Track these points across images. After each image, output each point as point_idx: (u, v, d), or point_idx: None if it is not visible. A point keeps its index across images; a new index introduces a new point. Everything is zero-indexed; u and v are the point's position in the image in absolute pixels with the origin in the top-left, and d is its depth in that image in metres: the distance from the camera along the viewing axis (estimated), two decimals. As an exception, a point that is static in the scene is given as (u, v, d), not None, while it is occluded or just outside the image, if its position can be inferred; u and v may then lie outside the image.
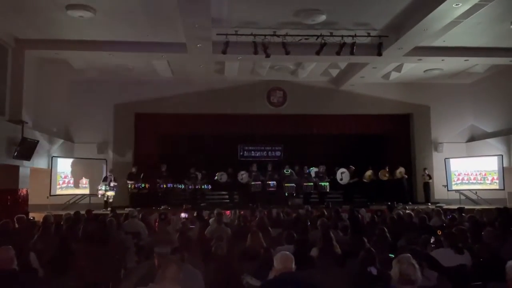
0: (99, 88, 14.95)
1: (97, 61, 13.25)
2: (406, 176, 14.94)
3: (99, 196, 13.24)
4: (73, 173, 13.82)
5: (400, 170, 14.73)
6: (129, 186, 13.32)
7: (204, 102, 15.23)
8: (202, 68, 13.41)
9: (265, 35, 10.72)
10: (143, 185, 13.29)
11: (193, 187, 13.69)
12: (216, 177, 14.41)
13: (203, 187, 13.76)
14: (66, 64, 13.39)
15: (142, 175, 13.49)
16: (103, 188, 13.15)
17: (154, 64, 13.67)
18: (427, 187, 14.85)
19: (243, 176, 14.06)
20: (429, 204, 13.79)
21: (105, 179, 13.40)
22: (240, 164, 15.42)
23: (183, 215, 10.25)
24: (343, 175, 14.58)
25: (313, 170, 14.46)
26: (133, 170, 13.79)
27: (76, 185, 13.89)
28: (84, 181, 14.10)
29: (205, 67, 13.35)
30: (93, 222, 7.65)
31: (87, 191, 13.97)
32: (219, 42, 10.90)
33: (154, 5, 9.62)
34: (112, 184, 13.28)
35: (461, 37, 11.53)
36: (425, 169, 15.13)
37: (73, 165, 13.91)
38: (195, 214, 8.28)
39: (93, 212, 9.63)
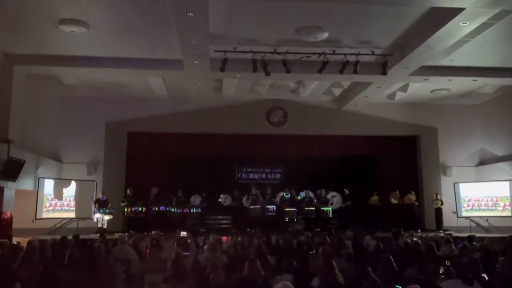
0: (91, 105, 14.99)
1: (89, 77, 13.34)
2: (417, 203, 14.94)
3: (95, 220, 13.13)
4: (60, 195, 13.77)
5: (410, 196, 14.76)
6: (125, 210, 13.24)
7: (200, 121, 15.27)
8: (199, 85, 13.50)
9: (265, 53, 10.84)
10: (140, 209, 13.22)
11: (181, 211, 13.62)
12: (220, 200, 14.43)
13: (192, 210, 13.72)
14: (57, 80, 13.47)
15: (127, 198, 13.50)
16: (101, 211, 13.03)
17: (148, 81, 13.76)
18: (439, 213, 14.78)
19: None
20: (441, 231, 13.71)
21: (103, 203, 13.28)
22: (238, 186, 15.40)
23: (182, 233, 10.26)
24: (333, 199, 14.60)
25: (308, 193, 14.43)
26: (128, 192, 13.74)
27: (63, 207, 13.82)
28: (72, 204, 14.02)
29: (202, 84, 13.44)
30: (81, 248, 7.56)
31: (74, 215, 13.87)
32: (217, 59, 11.01)
33: (149, 20, 9.75)
34: (109, 206, 13.22)
35: (469, 56, 11.65)
36: (436, 194, 15.08)
37: (61, 186, 13.86)
38: (188, 241, 8.21)
39: (81, 237, 9.53)
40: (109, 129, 15.23)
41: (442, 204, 14.84)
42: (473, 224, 14.72)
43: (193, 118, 15.30)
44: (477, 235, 11.38)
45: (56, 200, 13.62)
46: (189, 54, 10.75)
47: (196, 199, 14.26)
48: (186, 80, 13.15)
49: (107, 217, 13.09)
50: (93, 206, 13.42)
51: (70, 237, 9.01)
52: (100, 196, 13.60)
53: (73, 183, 14.17)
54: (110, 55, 11.67)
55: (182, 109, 15.31)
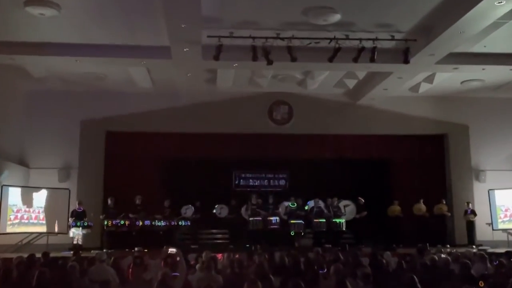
0: (63, 101, 15.00)
1: (61, 68, 13.33)
2: (449, 214, 15.02)
3: (71, 235, 13.14)
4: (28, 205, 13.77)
5: (441, 206, 14.84)
6: (105, 223, 13.26)
7: (191, 119, 15.27)
8: (190, 77, 13.49)
9: (266, 38, 10.81)
10: (122, 222, 13.25)
11: (167, 223, 13.63)
12: (214, 210, 14.44)
13: (179, 223, 13.74)
14: (23, 72, 13.47)
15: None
16: (78, 224, 13.02)
17: (130, 73, 13.75)
18: (471, 226, 14.80)
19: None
20: (474, 246, 13.71)
21: (80, 215, 13.26)
22: (235, 195, 15.39)
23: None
24: (346, 209, 14.66)
25: (318, 202, 14.46)
26: (109, 202, 13.76)
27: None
28: (42, 216, 14.01)
29: (193, 76, 13.42)
30: (51, 267, 7.55)
31: (44, 229, 13.86)
32: (210, 45, 10.98)
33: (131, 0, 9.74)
34: (86, 219, 13.24)
35: (506, 42, 11.63)
36: (468, 203, 15.08)
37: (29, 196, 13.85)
38: (177, 259, 8.22)
39: (52, 255, 9.52)
40: (84, 129, 15.22)
41: (475, 215, 14.81)
42: (511, 238, 14.69)
43: (182, 116, 15.30)
44: (516, 250, 11.36)
45: (23, 212, 13.61)
46: (178, 40, 10.72)
47: (188, 210, 14.24)
48: (174, 71, 13.14)
49: (84, 231, 13.08)
50: (70, 219, 13.39)
51: (39, 255, 9.00)
52: (76, 206, 13.59)
53: (43, 192, 14.17)
54: (85, 41, 11.65)
55: (170, 105, 15.31)
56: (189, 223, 14.02)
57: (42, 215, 14.01)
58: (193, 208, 14.30)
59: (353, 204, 14.87)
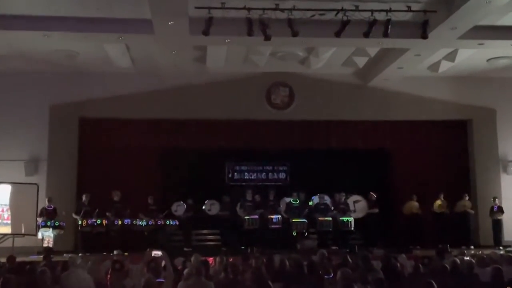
0: (29, 83, 14.96)
1: (26, 45, 13.27)
2: (473, 211, 15.09)
3: (40, 237, 13.15)
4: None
5: (464, 202, 14.94)
6: (79, 222, 13.29)
7: (177, 104, 15.27)
8: (175, 55, 13.46)
9: (263, 9, 10.76)
10: (99, 221, 13.28)
11: (153, 223, 13.67)
12: (204, 207, 14.48)
13: (167, 222, 13.79)
14: (-18, 49, 13.42)
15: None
16: (48, 224, 13.04)
17: (107, 50, 13.71)
18: (498, 225, 14.88)
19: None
20: (500, 247, 13.80)
21: (50, 214, 13.27)
22: (228, 190, 15.43)
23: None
24: (357, 205, 14.70)
25: (323, 198, 14.56)
26: (83, 199, 13.76)
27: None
28: (6, 215, 14.01)
29: (180, 54, 13.39)
30: (18, 273, 7.57)
31: (9, 230, 13.87)
32: (199, 18, 10.93)
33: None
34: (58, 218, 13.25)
35: (539, 13, 11.66)
36: (495, 198, 15.13)
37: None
38: (163, 263, 8.25)
39: (18, 259, 9.53)
40: (54, 114, 15.18)
41: (502, 213, 14.89)
42: (543, 238, 14.86)
43: (167, 100, 15.29)
44: (549, 252, 11.46)
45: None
46: (161, 11, 10.67)
47: (179, 208, 14.28)
48: (157, 48, 13.12)
49: (55, 232, 13.09)
50: (39, 218, 13.39)
51: (3, 259, 9.02)
52: (45, 204, 13.58)
53: (7, 188, 14.15)
54: (53, 13, 11.55)
55: (152, 87, 15.29)
56: (177, 222, 14.05)
57: (6, 214, 13.98)
58: (185, 205, 14.31)
59: (364, 199, 14.92)
